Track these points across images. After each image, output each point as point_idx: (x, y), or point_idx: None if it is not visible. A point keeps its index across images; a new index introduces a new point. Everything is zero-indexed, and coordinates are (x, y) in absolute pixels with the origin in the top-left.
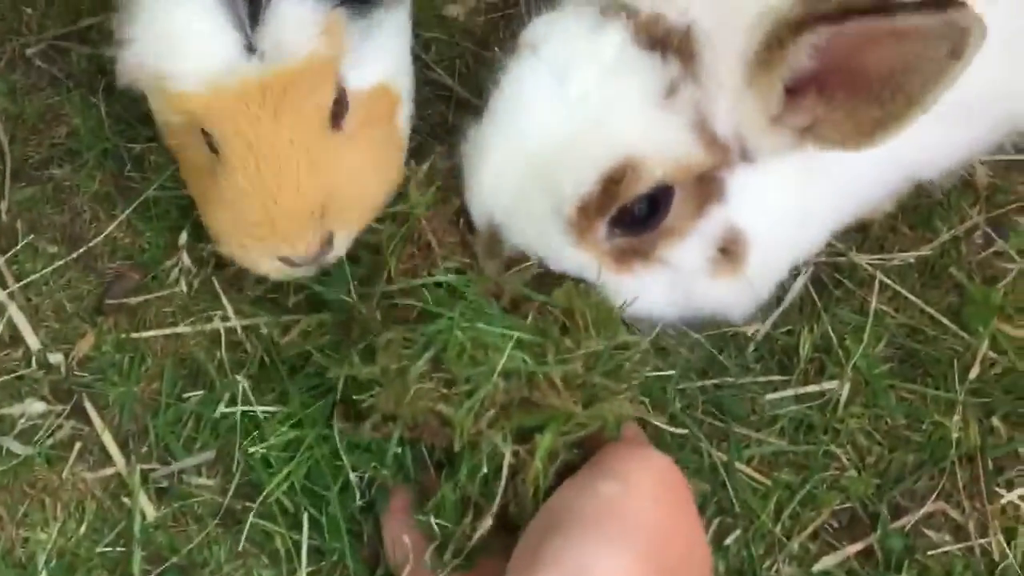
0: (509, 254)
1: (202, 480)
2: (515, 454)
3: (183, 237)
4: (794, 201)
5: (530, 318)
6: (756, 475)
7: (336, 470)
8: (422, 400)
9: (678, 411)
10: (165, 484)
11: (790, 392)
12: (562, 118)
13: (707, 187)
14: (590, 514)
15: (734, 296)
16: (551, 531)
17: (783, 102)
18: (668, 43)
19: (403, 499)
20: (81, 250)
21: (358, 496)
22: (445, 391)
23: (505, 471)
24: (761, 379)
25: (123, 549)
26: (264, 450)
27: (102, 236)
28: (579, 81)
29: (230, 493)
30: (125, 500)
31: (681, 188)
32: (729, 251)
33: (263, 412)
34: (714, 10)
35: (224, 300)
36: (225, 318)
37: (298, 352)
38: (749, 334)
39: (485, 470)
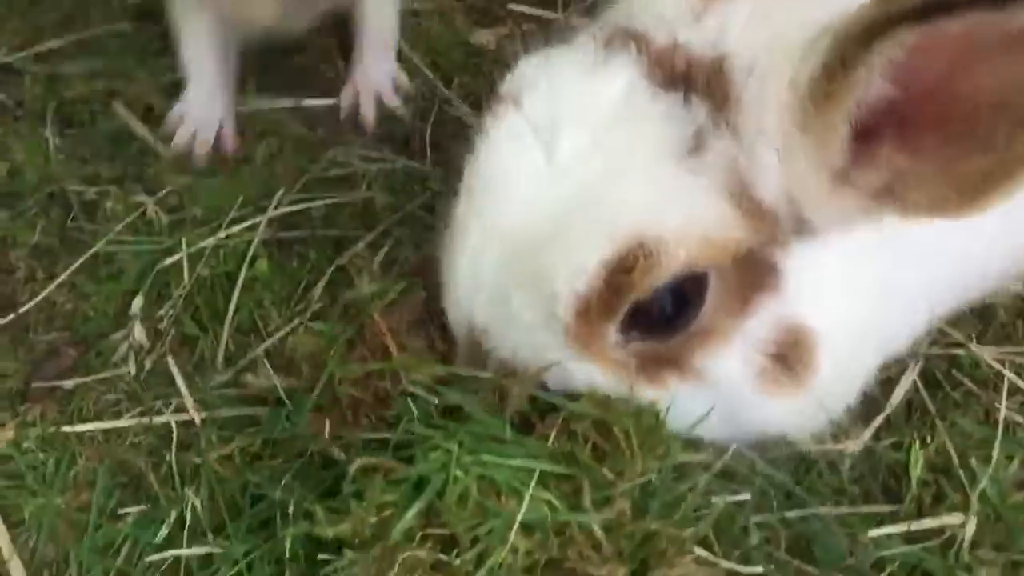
0: (496, 369)
1: None
2: None
3: (137, 303)
4: (873, 287)
5: (551, 440)
6: None
7: None
8: (412, 573)
9: (754, 551)
10: None
11: (899, 527)
12: (549, 192)
13: (752, 273)
14: None
15: (797, 417)
16: None
17: (850, 152)
18: (692, 81)
19: None
20: (10, 317)
21: None
22: (444, 557)
23: None
24: (862, 509)
25: None
26: None
27: (38, 299)
28: (571, 140)
29: None
30: None
31: (717, 275)
32: (788, 358)
33: (213, 549)
34: (755, 35)
35: (182, 386)
36: (180, 409)
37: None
38: (844, 450)
39: None
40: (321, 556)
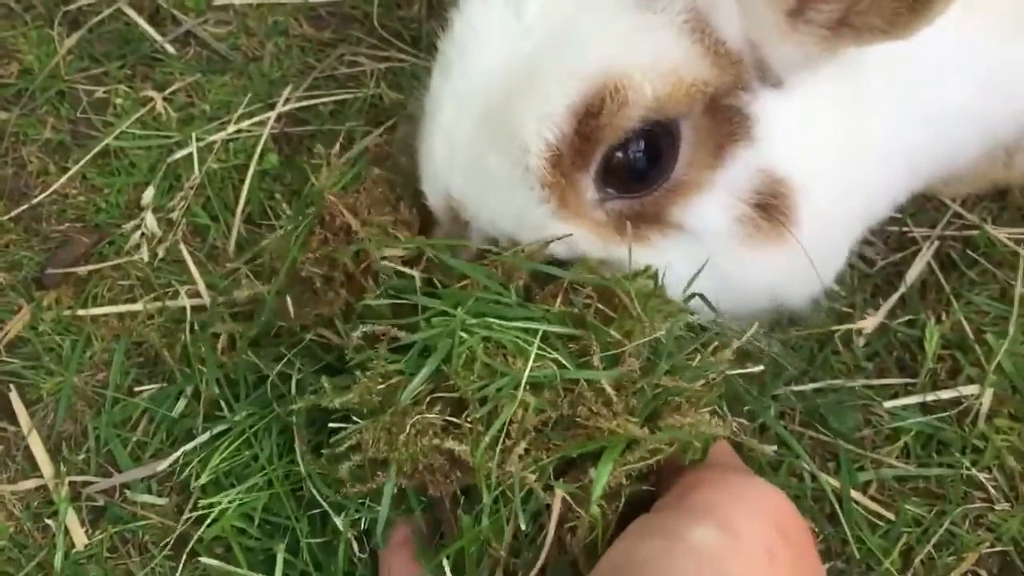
0: (477, 243)
1: (151, 498)
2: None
3: (148, 194)
4: (848, 139)
5: (558, 305)
6: (876, 506)
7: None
8: (423, 436)
9: (772, 420)
10: (102, 502)
11: (915, 399)
12: (519, 47)
13: (725, 121)
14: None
15: (786, 270)
16: None
17: None
18: None
19: (404, 534)
20: (23, 208)
21: (343, 529)
22: (454, 420)
23: (552, 525)
24: (876, 382)
25: None
26: (212, 473)
27: (50, 191)
28: None
29: (185, 515)
30: (50, 522)
31: (689, 126)
32: (768, 208)
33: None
34: None
35: (194, 272)
36: (194, 294)
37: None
38: (859, 328)
39: (522, 526)
40: (331, 424)
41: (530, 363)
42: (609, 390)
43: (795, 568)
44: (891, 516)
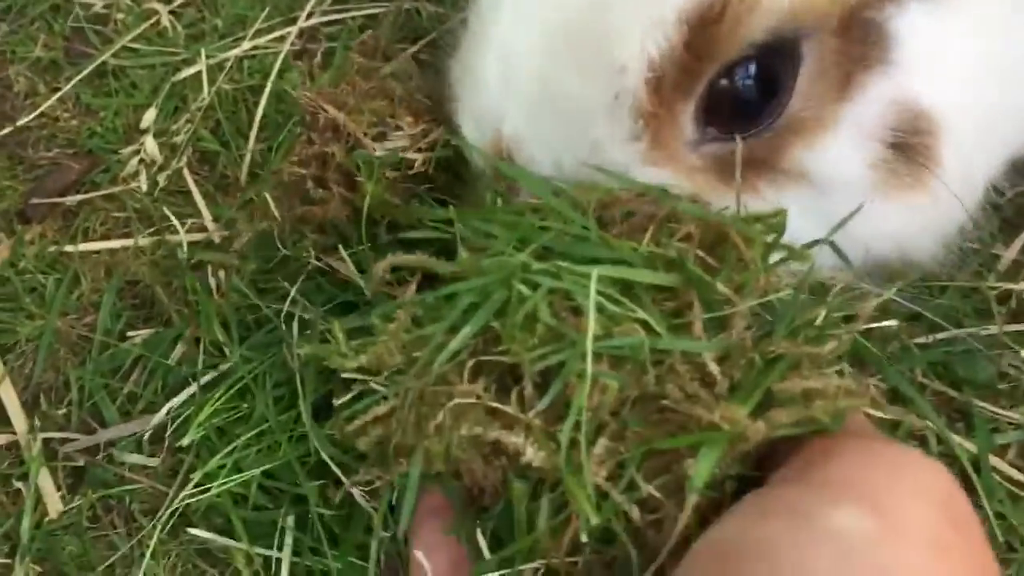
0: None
1: (140, 458)
2: (642, 501)
3: (150, 115)
4: (1005, 55)
5: (646, 241)
6: (1019, 475)
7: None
8: (461, 423)
9: (896, 375)
10: (83, 463)
11: None
12: None
13: (859, 41)
14: (822, 573)
15: (921, 223)
16: None
17: None
18: None
19: (437, 499)
20: (6, 131)
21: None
22: (506, 408)
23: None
24: (1012, 327)
25: (8, 561)
26: (202, 430)
27: (37, 112)
28: None
29: (179, 480)
30: (20, 485)
31: (814, 44)
32: (907, 147)
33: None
34: None
35: (200, 203)
36: (199, 228)
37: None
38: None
39: (583, 539)
40: (343, 391)
41: (616, 328)
42: (712, 366)
43: (969, 566)
44: None
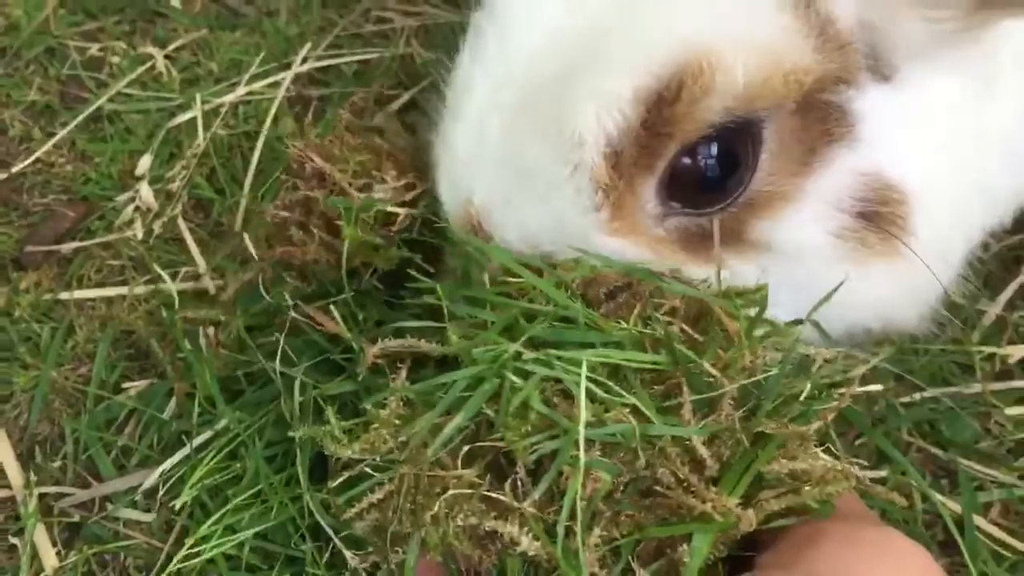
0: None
1: (135, 514)
2: None
3: (145, 162)
4: (974, 130)
5: (633, 322)
6: (1001, 534)
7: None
8: (457, 513)
9: (879, 437)
10: (78, 518)
11: None
12: (575, 17)
13: (818, 120)
14: None
15: (899, 287)
16: None
17: None
18: None
19: (433, 562)
20: (1, 176)
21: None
22: (500, 496)
23: None
24: (997, 386)
25: None
26: (195, 491)
27: (32, 158)
28: None
29: (172, 538)
30: (16, 541)
31: (774, 123)
32: (878, 216)
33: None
34: None
35: (195, 251)
36: (193, 275)
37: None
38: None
39: None
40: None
41: (606, 415)
42: (702, 450)
43: None
44: (1020, 545)
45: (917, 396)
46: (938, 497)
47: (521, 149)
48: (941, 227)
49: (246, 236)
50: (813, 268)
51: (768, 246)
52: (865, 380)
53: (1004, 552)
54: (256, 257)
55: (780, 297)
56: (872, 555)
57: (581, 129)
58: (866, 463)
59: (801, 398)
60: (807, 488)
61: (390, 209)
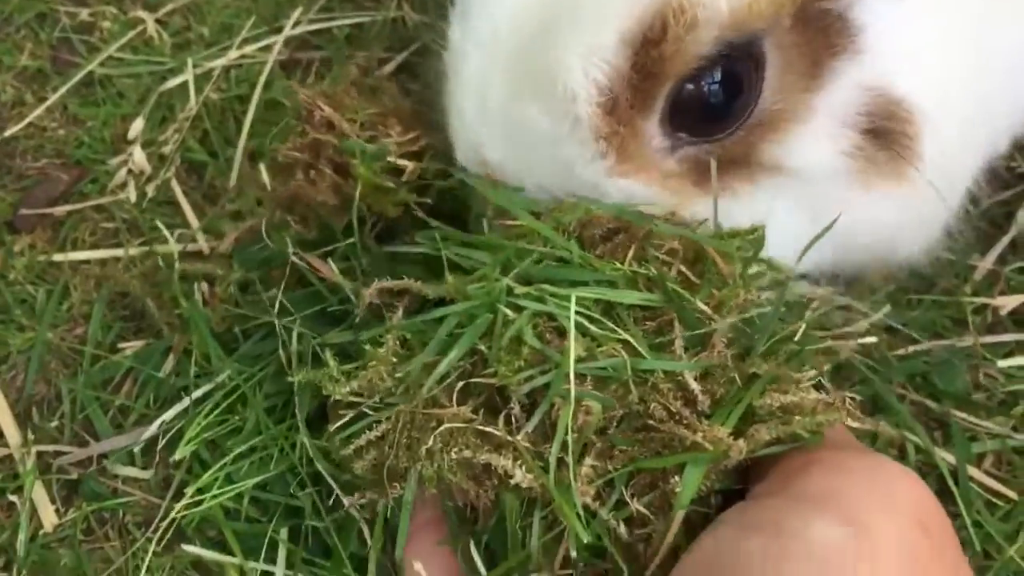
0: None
1: (133, 471)
2: (629, 519)
3: (137, 126)
4: (977, 43)
5: (628, 262)
6: (995, 484)
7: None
8: (452, 446)
9: (883, 387)
10: (76, 476)
11: None
12: None
13: (820, 32)
14: None
15: (906, 212)
16: None
17: None
18: None
19: (431, 513)
20: None
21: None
22: (494, 431)
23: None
24: (988, 339)
25: (3, 574)
26: (192, 444)
27: (25, 122)
28: None
29: (171, 493)
30: (15, 498)
31: (774, 41)
32: (885, 133)
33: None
34: None
35: (189, 213)
36: (188, 238)
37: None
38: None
39: (573, 554)
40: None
41: (599, 350)
42: (693, 385)
43: (943, 575)
44: (1012, 495)
45: (910, 349)
46: (934, 449)
47: (521, 108)
48: (950, 148)
49: (262, 167)
50: (824, 188)
51: (779, 168)
52: (861, 333)
53: (997, 501)
54: (268, 187)
55: (790, 222)
56: (864, 480)
57: (570, 84)
58: (859, 398)
59: (795, 338)
60: (798, 418)
61: (399, 162)
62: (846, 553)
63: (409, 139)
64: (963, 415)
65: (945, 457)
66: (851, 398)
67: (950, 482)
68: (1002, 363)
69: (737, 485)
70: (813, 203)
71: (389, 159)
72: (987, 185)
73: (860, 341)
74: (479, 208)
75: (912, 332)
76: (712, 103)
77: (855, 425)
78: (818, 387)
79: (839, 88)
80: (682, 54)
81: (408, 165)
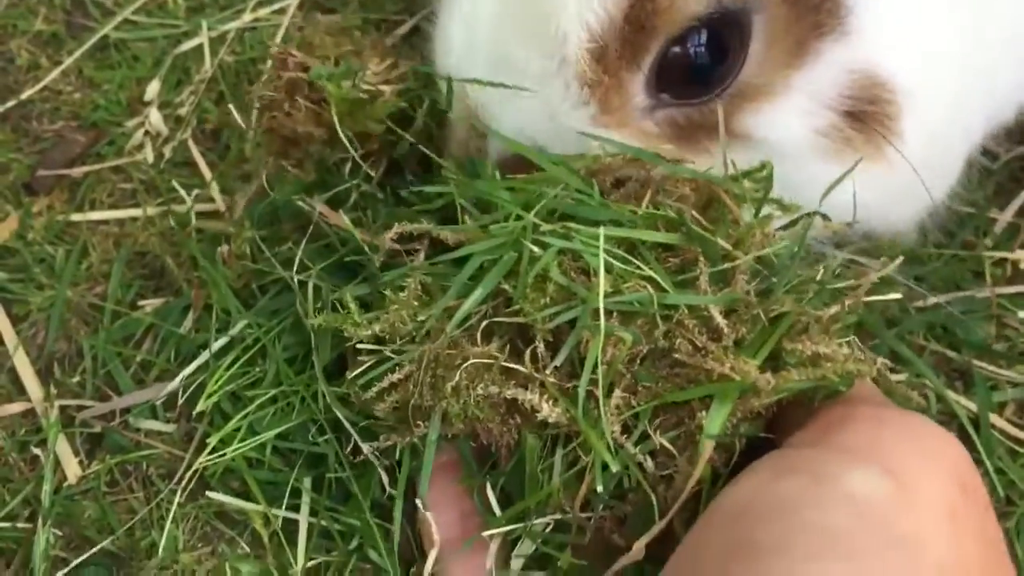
0: (500, 156)
1: (156, 424)
2: (654, 453)
3: (153, 88)
4: (974, 19)
5: (645, 206)
6: (1016, 432)
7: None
8: (477, 383)
9: (893, 339)
10: (100, 429)
11: None
12: None
13: (810, 10)
14: (837, 533)
15: (885, 191)
16: (751, 556)
17: None
18: None
19: (445, 458)
20: (10, 104)
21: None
22: (519, 367)
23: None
24: (1007, 289)
25: (29, 525)
26: (214, 396)
27: (40, 86)
28: None
29: (195, 444)
30: (38, 452)
31: (763, 14)
32: (865, 115)
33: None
34: None
35: (206, 173)
36: (205, 198)
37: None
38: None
39: (599, 489)
40: (359, 358)
41: (624, 285)
42: (718, 319)
43: (979, 536)
44: None
45: (930, 301)
46: (954, 397)
47: (507, 43)
48: (936, 128)
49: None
50: (795, 164)
51: (751, 138)
52: (880, 289)
53: (1018, 449)
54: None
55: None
56: (904, 435)
57: (564, 26)
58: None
59: (817, 278)
60: (828, 364)
61: (378, 88)
62: (885, 503)
63: (385, 67)
64: (984, 364)
65: (966, 405)
66: (883, 361)
67: (970, 430)
68: (1023, 314)
69: (764, 434)
70: (781, 176)
71: (365, 86)
72: (1007, 139)
73: (883, 298)
74: (454, 151)
75: (927, 288)
76: (697, 66)
77: (891, 377)
78: (848, 345)
79: (821, 68)
80: (675, 10)
81: (385, 89)
